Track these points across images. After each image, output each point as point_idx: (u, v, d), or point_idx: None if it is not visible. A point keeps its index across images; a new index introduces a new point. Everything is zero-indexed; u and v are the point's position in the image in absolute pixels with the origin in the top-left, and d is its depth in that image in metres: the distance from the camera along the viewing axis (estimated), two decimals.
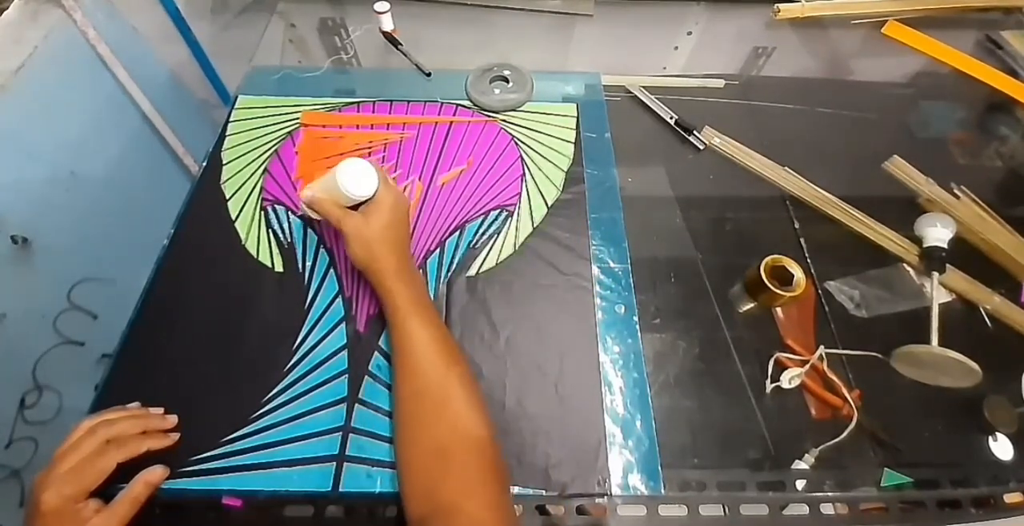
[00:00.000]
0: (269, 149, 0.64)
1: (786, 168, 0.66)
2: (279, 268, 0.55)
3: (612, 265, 0.56)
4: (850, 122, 0.75)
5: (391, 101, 0.70)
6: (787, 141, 0.70)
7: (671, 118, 0.71)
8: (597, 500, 0.43)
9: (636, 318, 0.53)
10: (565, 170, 0.64)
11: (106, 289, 0.76)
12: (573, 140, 0.67)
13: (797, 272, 0.53)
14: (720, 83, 0.77)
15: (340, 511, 0.42)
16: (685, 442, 0.47)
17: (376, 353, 0.49)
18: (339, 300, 0.52)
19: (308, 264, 0.55)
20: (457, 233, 0.58)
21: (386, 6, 0.73)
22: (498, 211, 0.60)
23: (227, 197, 0.60)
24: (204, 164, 0.63)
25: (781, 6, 0.81)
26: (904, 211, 0.63)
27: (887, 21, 0.83)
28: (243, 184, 0.61)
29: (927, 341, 0.52)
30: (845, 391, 0.49)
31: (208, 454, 0.44)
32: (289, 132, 0.66)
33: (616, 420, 0.47)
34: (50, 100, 0.71)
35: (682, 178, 0.66)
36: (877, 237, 0.61)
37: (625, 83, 0.75)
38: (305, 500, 0.42)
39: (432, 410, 0.40)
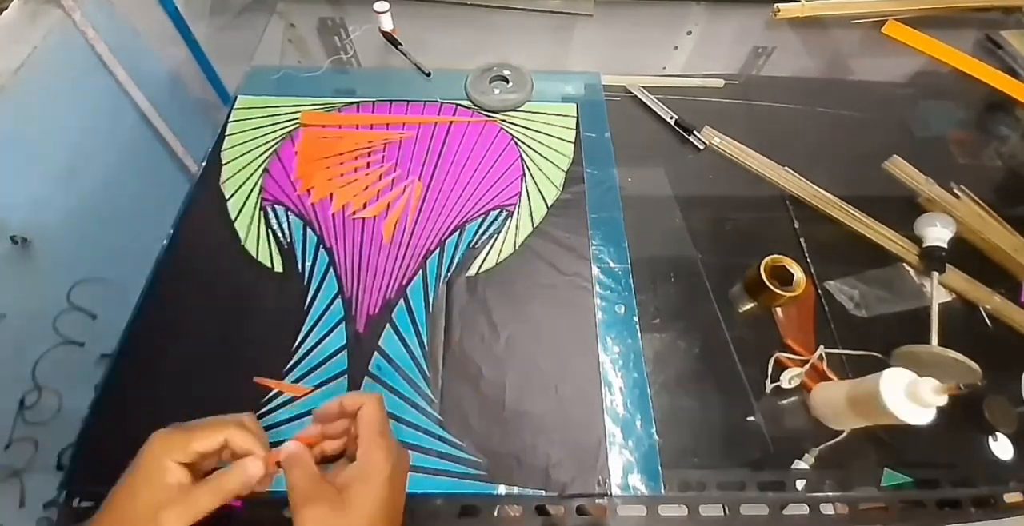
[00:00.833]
0: (269, 149, 0.64)
1: (786, 168, 0.66)
2: (279, 268, 0.55)
3: (612, 265, 0.56)
4: (850, 122, 0.75)
5: (391, 101, 0.70)
6: (787, 141, 0.70)
7: (671, 118, 0.71)
8: (597, 500, 0.43)
9: (636, 318, 0.53)
10: (565, 170, 0.64)
11: (106, 289, 0.76)
12: (573, 140, 0.67)
13: (797, 272, 0.53)
14: (720, 83, 0.77)
15: None
16: (685, 442, 0.47)
17: (376, 354, 0.49)
18: (339, 300, 0.52)
19: (308, 264, 0.55)
20: (457, 233, 0.58)
21: (386, 6, 0.73)
22: (498, 211, 0.60)
23: (227, 197, 0.60)
24: (204, 164, 0.63)
25: (781, 6, 0.81)
26: (904, 211, 0.63)
27: (887, 21, 0.83)
28: (243, 184, 0.61)
29: (927, 341, 0.52)
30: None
31: None
32: (289, 132, 0.66)
33: (616, 420, 0.47)
34: (50, 100, 0.71)
35: (682, 178, 0.66)
36: (877, 237, 0.61)
37: (625, 83, 0.75)
38: None
39: None
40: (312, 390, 0.47)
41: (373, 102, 0.69)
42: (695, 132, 0.69)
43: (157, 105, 0.88)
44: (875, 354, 0.52)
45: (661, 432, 0.46)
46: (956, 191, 0.66)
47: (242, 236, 0.57)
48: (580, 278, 0.55)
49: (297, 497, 0.32)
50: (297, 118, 0.67)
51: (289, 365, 0.48)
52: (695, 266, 0.58)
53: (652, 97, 0.73)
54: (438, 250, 0.56)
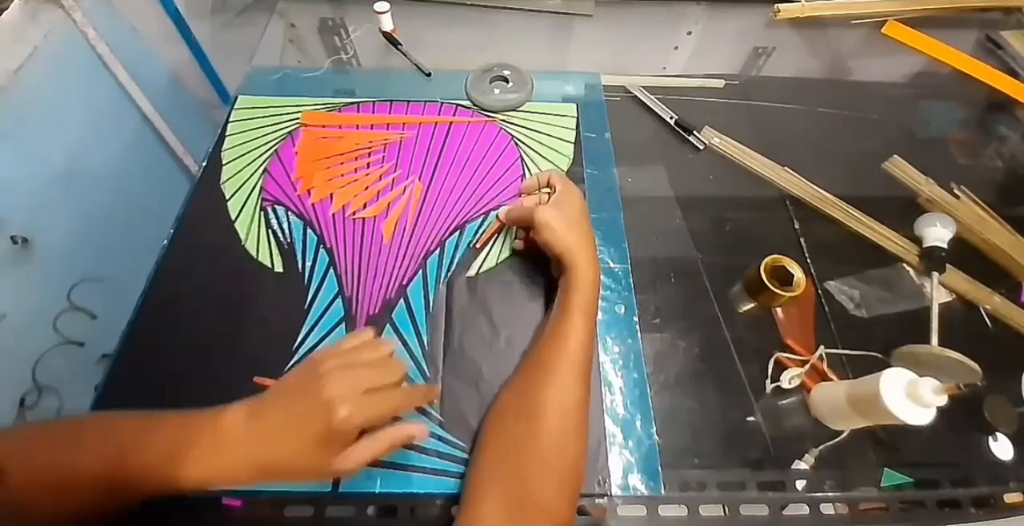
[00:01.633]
0: (269, 149, 0.64)
1: (786, 168, 0.66)
2: (279, 268, 0.55)
3: (612, 265, 0.56)
4: (850, 122, 0.75)
5: (391, 101, 0.70)
6: (787, 141, 0.70)
7: (671, 118, 0.71)
8: (597, 500, 0.43)
9: (636, 318, 0.53)
10: (565, 170, 0.64)
11: (106, 289, 0.76)
12: (573, 140, 0.67)
13: (797, 272, 0.53)
14: (720, 83, 0.77)
15: (340, 511, 0.42)
16: (685, 442, 0.47)
17: None
18: (339, 300, 0.52)
19: (308, 264, 0.55)
20: (457, 233, 0.58)
21: (386, 6, 0.73)
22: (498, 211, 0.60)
23: (227, 197, 0.60)
24: (204, 164, 0.63)
25: (781, 6, 0.81)
26: (904, 211, 0.63)
27: (887, 21, 0.83)
28: (243, 184, 0.61)
29: (927, 341, 0.52)
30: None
31: None
32: (289, 132, 0.66)
33: (616, 420, 0.47)
34: (50, 100, 0.71)
35: (682, 178, 0.66)
36: (877, 237, 0.61)
37: (625, 83, 0.75)
38: (305, 500, 0.42)
39: (557, 411, 0.39)
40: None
41: (373, 102, 0.69)
42: (695, 132, 0.69)
43: (157, 105, 0.88)
44: (875, 354, 0.52)
45: (661, 432, 0.46)
46: (956, 191, 0.66)
47: (242, 236, 0.57)
48: None
49: (529, 210, 0.50)
50: (297, 118, 0.67)
51: (289, 365, 0.48)
52: (695, 266, 0.58)
53: (652, 97, 0.73)
54: (438, 250, 0.56)
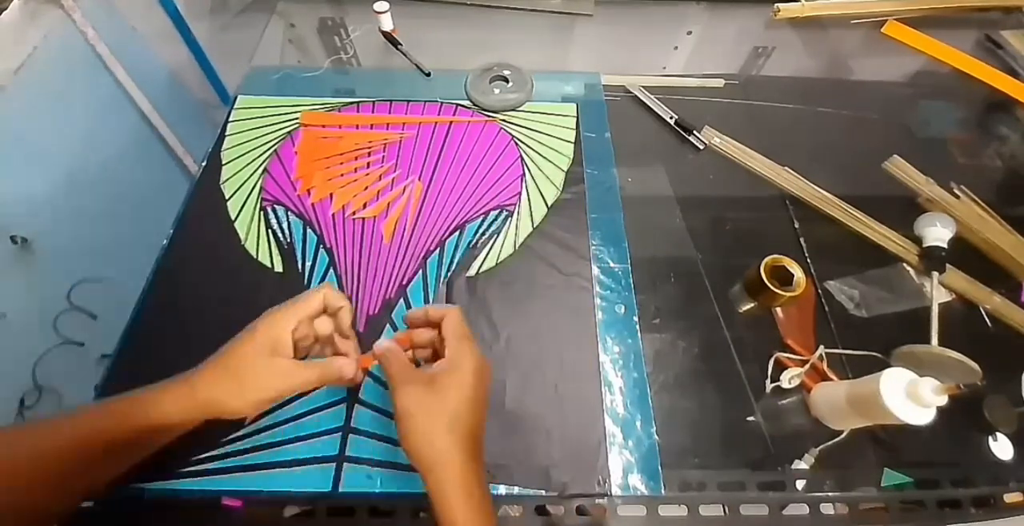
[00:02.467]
0: (269, 149, 0.64)
1: (786, 168, 0.66)
2: (279, 268, 0.55)
3: (612, 265, 0.56)
4: (850, 122, 0.75)
5: (391, 101, 0.70)
6: (787, 141, 0.70)
7: (671, 118, 0.71)
8: (597, 500, 0.43)
9: (636, 318, 0.53)
10: (565, 170, 0.64)
11: (106, 289, 0.76)
12: (573, 140, 0.67)
13: (797, 272, 0.53)
14: (720, 83, 0.77)
15: (340, 511, 0.42)
16: (685, 442, 0.47)
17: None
18: None
19: (308, 264, 0.55)
20: (457, 233, 0.58)
21: (386, 6, 0.73)
22: (498, 211, 0.60)
23: (227, 197, 0.60)
24: (204, 164, 0.63)
25: (781, 6, 0.81)
26: (904, 211, 0.63)
27: (887, 21, 0.83)
28: (243, 184, 0.61)
29: (927, 341, 0.52)
30: None
31: (208, 454, 0.44)
32: (289, 132, 0.66)
33: (616, 420, 0.47)
34: (50, 100, 0.71)
35: (682, 178, 0.66)
36: (877, 237, 0.61)
37: (625, 83, 0.75)
38: (305, 500, 0.42)
39: None
40: (311, 390, 0.47)
41: (373, 102, 0.69)
42: (695, 132, 0.69)
43: (157, 105, 0.88)
44: (875, 354, 0.52)
45: (661, 432, 0.46)
46: (956, 191, 0.66)
47: (242, 236, 0.57)
48: (580, 278, 0.55)
49: (395, 381, 0.36)
50: (297, 118, 0.67)
51: None
52: (695, 266, 0.58)
53: (652, 97, 0.73)
54: (438, 250, 0.56)
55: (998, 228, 0.63)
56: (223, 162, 0.63)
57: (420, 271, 0.55)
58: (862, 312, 0.56)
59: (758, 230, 0.63)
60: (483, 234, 0.58)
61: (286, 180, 0.62)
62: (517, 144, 0.66)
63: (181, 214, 0.59)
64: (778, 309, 0.55)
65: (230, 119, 0.67)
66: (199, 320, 0.51)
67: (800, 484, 0.45)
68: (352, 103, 0.69)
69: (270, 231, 0.57)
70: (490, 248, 0.57)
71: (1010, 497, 0.46)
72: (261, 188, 0.61)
